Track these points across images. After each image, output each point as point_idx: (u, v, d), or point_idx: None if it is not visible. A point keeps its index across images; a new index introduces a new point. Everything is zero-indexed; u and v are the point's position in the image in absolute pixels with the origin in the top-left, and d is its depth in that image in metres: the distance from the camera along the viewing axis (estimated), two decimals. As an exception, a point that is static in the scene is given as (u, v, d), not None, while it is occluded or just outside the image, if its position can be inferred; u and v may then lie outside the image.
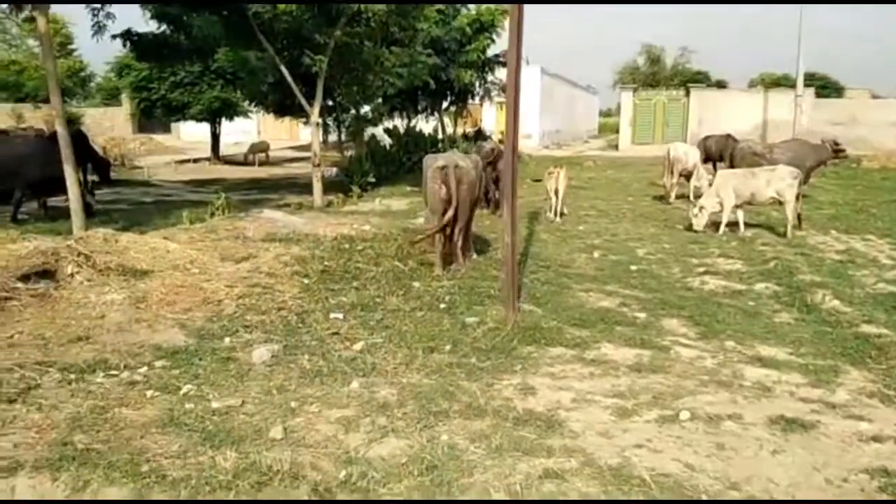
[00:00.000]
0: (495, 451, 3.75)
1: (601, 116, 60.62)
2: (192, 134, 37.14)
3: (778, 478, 3.56)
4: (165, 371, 4.72)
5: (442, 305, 6.69)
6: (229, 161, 27.43)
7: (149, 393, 4.34)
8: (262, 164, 26.75)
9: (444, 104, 26.38)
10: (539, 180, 14.70)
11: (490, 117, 33.46)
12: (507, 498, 3.25)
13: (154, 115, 26.52)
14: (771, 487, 3.47)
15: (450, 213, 7.67)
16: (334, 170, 19.51)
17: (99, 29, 11.78)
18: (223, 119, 26.60)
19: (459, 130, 28.19)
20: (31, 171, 10.78)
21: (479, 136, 27.05)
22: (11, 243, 6.47)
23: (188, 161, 26.11)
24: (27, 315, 5.39)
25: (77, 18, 10.61)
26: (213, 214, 11.21)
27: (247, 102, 24.02)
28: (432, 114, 27.07)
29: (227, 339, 5.46)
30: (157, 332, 5.41)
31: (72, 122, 33.45)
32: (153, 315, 5.71)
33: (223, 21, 12.80)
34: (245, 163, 26.61)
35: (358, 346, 5.47)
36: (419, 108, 26.07)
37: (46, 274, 5.96)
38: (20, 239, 6.67)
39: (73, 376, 4.46)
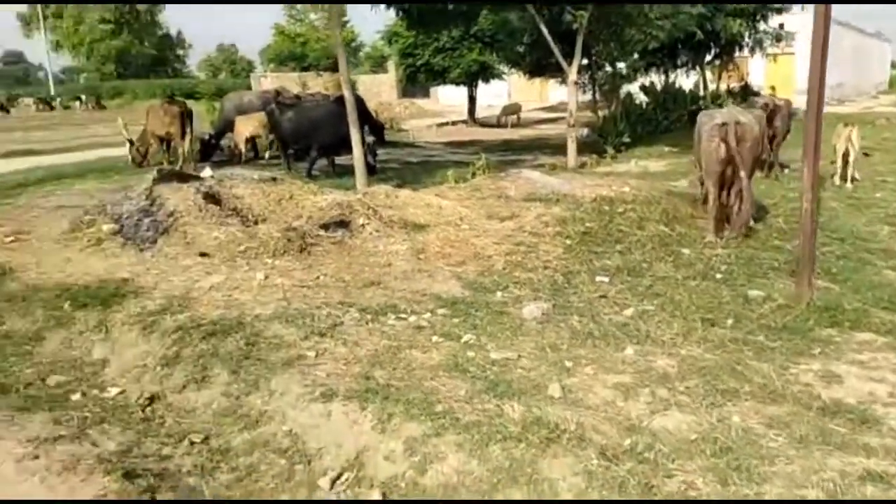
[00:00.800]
0: (799, 442, 3.36)
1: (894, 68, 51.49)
2: (449, 98, 38.99)
3: None
4: (446, 319, 4.99)
5: (718, 275, 6.20)
6: (483, 123, 28.36)
7: (434, 338, 4.62)
8: (513, 125, 27.25)
9: (707, 58, 24.32)
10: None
11: (758, 71, 30.14)
12: (824, 497, 2.88)
13: (418, 81, 28.33)
14: None
15: (728, 173, 7.05)
16: (586, 130, 19.10)
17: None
18: (479, 82, 27.47)
19: (723, 86, 25.86)
20: (325, 133, 12.13)
21: (746, 91, 24.54)
22: (312, 196, 7.31)
23: (447, 124, 27.53)
24: (329, 260, 6.06)
25: None
26: (474, 174, 11.64)
27: (503, 64, 24.47)
28: (693, 68, 25.14)
29: (498, 294, 5.62)
30: (436, 282, 5.75)
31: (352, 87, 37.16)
32: (432, 266, 6.08)
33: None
34: (498, 125, 27.32)
35: (628, 311, 5.28)
36: (678, 62, 24.36)
37: (342, 224, 6.64)
38: (319, 192, 7.51)
39: (369, 317, 4.91)
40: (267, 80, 47.85)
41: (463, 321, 4.96)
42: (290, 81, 40.49)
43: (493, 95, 32.76)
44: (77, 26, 62.41)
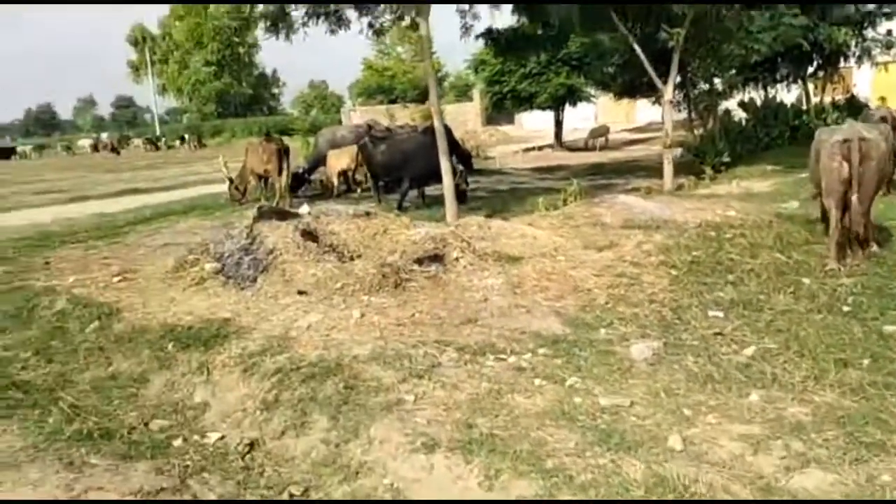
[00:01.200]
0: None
1: None
2: (533, 123, 38.87)
3: None
4: (548, 359, 4.73)
5: (845, 308, 5.62)
6: (570, 147, 27.95)
7: (536, 381, 4.37)
8: (601, 148, 26.70)
9: (809, 70, 23.00)
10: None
11: (864, 81, 28.25)
12: None
13: (504, 107, 28.34)
14: None
15: (851, 195, 6.46)
16: (679, 150, 18.36)
17: (466, 30, 12.76)
18: (566, 105, 27.17)
19: (827, 99, 24.35)
20: (417, 164, 12.19)
21: (852, 104, 22.99)
22: (406, 230, 7.23)
23: (533, 149, 27.33)
24: (423, 296, 5.93)
25: (437, 22, 11.95)
26: (565, 201, 11.32)
27: (591, 87, 24.11)
28: (794, 82, 23.84)
29: (602, 331, 5.30)
30: (534, 318, 5.50)
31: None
32: (529, 301, 5.83)
33: (580, 6, 12.82)
34: (585, 148, 26.85)
35: (749, 351, 4.83)
36: (778, 76, 23.15)
37: (436, 258, 6.51)
38: (412, 226, 7.44)
39: (467, 357, 4.72)
40: (356, 114, 49.43)
41: (566, 362, 4.68)
42: (379, 114, 41.60)
43: (579, 118, 32.32)
44: (182, 70, 66.85)
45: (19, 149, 56.51)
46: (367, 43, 61.62)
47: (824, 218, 7.12)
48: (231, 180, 14.70)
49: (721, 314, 5.59)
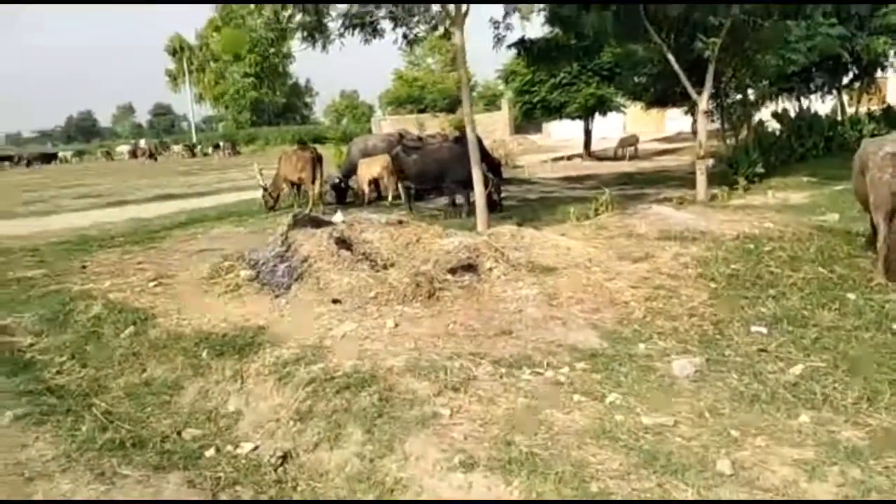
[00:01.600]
0: None
1: None
2: (561, 132, 38.65)
3: None
4: (586, 374, 4.61)
5: (894, 326, 5.40)
6: (599, 157, 27.71)
7: (575, 397, 4.25)
8: (631, 158, 26.42)
9: (845, 80, 22.55)
10: None
11: (900, 92, 27.63)
12: None
13: (533, 117, 28.20)
14: None
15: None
16: (711, 160, 18.04)
17: (498, 41, 12.69)
18: (595, 115, 26.96)
19: (862, 109, 23.83)
20: (450, 173, 12.15)
21: (889, 114, 22.47)
22: (439, 238, 7.16)
23: (561, 158, 27.15)
24: (457, 306, 5.85)
25: (468, 33, 11.88)
26: (596, 211, 11.16)
27: (622, 97, 23.90)
28: (829, 92, 23.40)
29: (641, 345, 5.16)
30: (570, 331, 5.38)
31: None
32: (565, 313, 5.71)
33: (614, 16, 12.70)
34: (615, 158, 26.60)
35: (796, 369, 4.65)
36: (812, 86, 22.75)
37: (470, 267, 6.43)
38: (445, 235, 7.36)
39: (503, 370, 4.61)
40: (386, 123, 49.69)
41: (606, 377, 4.55)
42: (409, 123, 41.75)
43: (607, 128, 32.01)
44: (218, 80, 68.16)
45: (60, 154, 57.96)
46: (398, 54, 62.23)
47: (874, 232, 6.89)
48: (265, 188, 14.82)
49: (764, 330, 5.41)
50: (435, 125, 41.25)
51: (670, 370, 4.67)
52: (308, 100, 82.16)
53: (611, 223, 9.33)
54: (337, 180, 15.81)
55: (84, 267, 8.99)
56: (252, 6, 10.40)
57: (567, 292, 6.08)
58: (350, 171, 16.06)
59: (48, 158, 56.05)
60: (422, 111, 54.15)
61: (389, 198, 15.21)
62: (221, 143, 53.85)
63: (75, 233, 12.68)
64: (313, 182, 14.15)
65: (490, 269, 6.40)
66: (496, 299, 5.94)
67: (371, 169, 15.31)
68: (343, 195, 15.73)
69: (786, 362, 4.80)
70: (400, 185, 14.59)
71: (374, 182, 15.61)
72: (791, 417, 3.98)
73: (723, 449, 3.57)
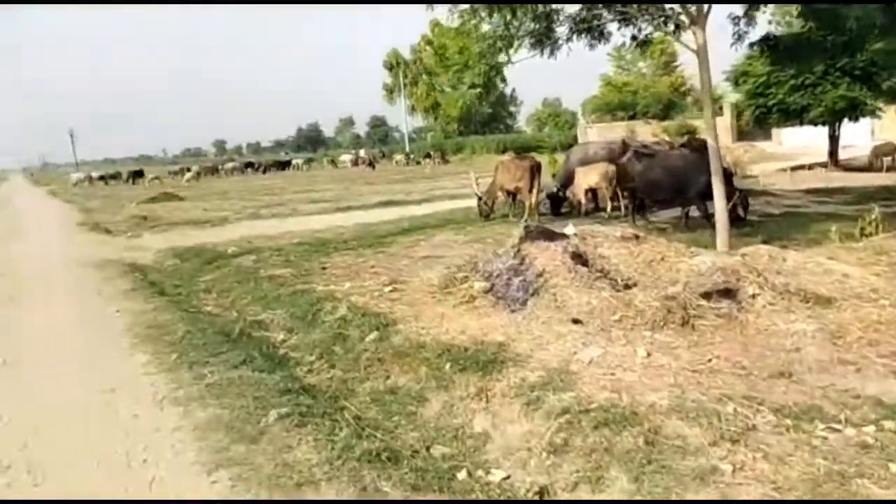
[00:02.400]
0: None
1: None
2: (795, 139, 34.92)
3: None
4: (901, 437, 3.74)
5: None
6: (847, 167, 24.43)
7: (892, 466, 3.44)
8: (888, 168, 22.93)
9: None
10: None
11: None
12: None
13: (767, 122, 25.60)
14: None
15: None
16: None
17: (738, 38, 11.50)
18: (844, 120, 23.78)
19: None
20: (689, 184, 11.26)
21: None
22: (686, 258, 6.49)
23: (802, 167, 24.32)
24: (718, 338, 5.18)
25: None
26: (862, 230, 9.61)
27: (879, 100, 20.84)
28: None
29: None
30: (868, 380, 4.47)
31: (690, 134, 35.53)
32: (856, 356, 4.78)
33: (886, 7, 10.91)
34: (870, 168, 23.25)
35: None
36: None
37: (727, 293, 5.70)
38: (692, 254, 6.67)
39: (788, 422, 3.91)
40: (592, 131, 48.59)
41: None
42: (616, 130, 40.37)
43: (852, 134, 28.10)
44: (429, 92, 71.72)
45: (294, 161, 64.72)
46: (604, 59, 60.50)
47: None
48: (480, 196, 14.93)
49: None
50: (646, 132, 39.40)
51: None
52: (512, 109, 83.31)
53: (890, 247, 7.93)
54: (555, 189, 15.48)
55: (324, 268, 9.56)
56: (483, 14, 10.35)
57: (856, 331, 5.11)
58: (567, 179, 15.61)
59: (283, 165, 62.92)
60: (632, 117, 52.14)
61: (609, 209, 14.55)
62: (431, 153, 56.40)
63: (313, 235, 13.71)
64: (530, 191, 13.97)
65: (753, 297, 5.62)
66: (765, 333, 5.17)
67: (588, 178, 14.76)
68: (559, 205, 15.36)
69: None
70: (622, 196, 13.89)
71: (591, 192, 15.04)
72: None
73: None
